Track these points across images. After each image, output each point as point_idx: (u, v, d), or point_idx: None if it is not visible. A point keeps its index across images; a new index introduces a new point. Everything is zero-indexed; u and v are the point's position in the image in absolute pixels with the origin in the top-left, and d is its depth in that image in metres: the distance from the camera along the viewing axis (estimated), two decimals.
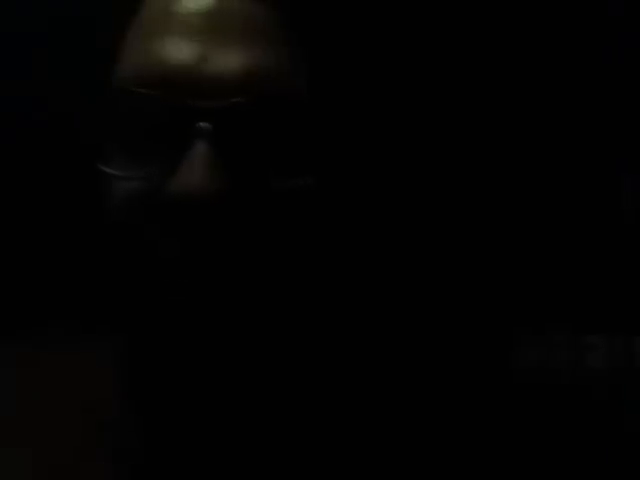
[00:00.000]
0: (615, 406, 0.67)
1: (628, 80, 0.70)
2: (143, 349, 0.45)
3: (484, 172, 0.70)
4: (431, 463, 0.50)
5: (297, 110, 0.43)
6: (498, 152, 0.70)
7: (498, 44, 0.69)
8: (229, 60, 0.43)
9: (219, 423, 0.46)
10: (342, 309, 0.51)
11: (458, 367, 0.59)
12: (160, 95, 0.42)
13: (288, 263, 0.44)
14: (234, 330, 0.43)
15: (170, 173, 0.42)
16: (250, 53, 0.43)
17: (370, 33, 0.53)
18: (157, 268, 0.42)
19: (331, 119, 0.45)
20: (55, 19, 0.62)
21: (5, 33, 0.66)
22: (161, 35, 0.44)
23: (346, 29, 0.49)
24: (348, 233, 0.49)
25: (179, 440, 0.46)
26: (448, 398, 0.54)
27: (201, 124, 0.42)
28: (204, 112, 0.42)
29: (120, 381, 0.48)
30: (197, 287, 0.42)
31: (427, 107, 0.64)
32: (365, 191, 0.50)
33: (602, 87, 0.71)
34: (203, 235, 0.41)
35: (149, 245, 0.43)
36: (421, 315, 0.62)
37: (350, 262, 0.50)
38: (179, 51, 0.43)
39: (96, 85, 0.46)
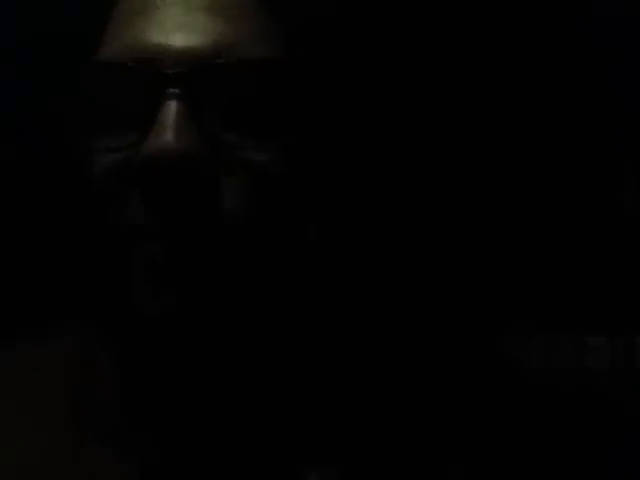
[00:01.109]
0: (617, 407, 0.67)
1: (627, 79, 0.70)
2: (127, 341, 0.46)
3: (483, 172, 0.70)
4: (431, 463, 0.50)
5: (271, 75, 0.44)
6: (496, 152, 0.70)
7: (494, 43, 0.69)
8: (200, 28, 0.44)
9: (210, 422, 0.46)
10: (335, 311, 0.51)
11: (460, 368, 0.58)
12: (132, 64, 0.44)
13: (263, 236, 0.44)
14: (215, 314, 0.43)
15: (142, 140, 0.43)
16: (222, 21, 0.45)
17: (352, 3, 0.54)
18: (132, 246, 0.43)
19: (308, 84, 0.46)
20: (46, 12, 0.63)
21: None
22: (137, 19, 0.46)
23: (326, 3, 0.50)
24: (322, 201, 0.49)
25: (169, 437, 0.47)
26: (450, 399, 0.53)
27: (171, 89, 0.43)
28: (176, 77, 0.43)
29: (107, 377, 0.49)
30: (172, 243, 0.42)
31: (421, 101, 0.64)
32: (343, 160, 0.50)
33: (601, 86, 0.71)
34: (175, 198, 0.42)
35: (127, 216, 0.43)
36: (422, 317, 0.62)
37: (344, 265, 0.50)
38: (152, 27, 0.45)
39: (75, 61, 0.47)
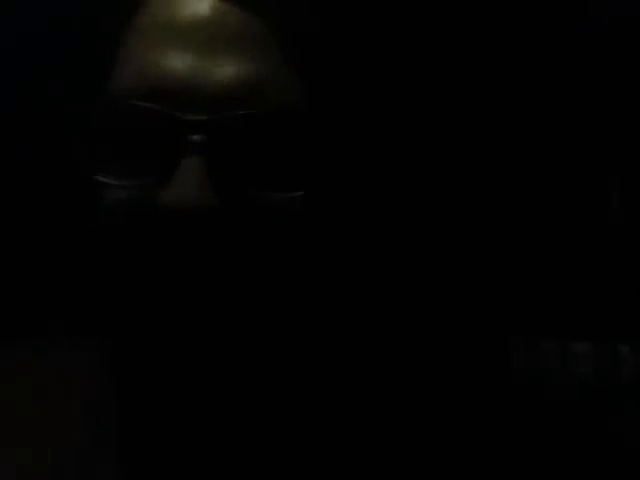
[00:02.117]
0: (602, 412, 0.68)
1: (617, 83, 0.71)
2: (137, 352, 0.46)
3: (474, 183, 0.70)
4: (428, 465, 0.50)
5: (292, 123, 0.43)
6: (486, 161, 0.70)
7: (486, 51, 0.69)
8: (223, 73, 0.43)
9: (214, 424, 0.46)
10: (338, 318, 0.51)
11: (452, 373, 0.59)
12: (154, 106, 0.43)
13: (280, 275, 0.44)
14: (227, 341, 0.44)
15: (162, 184, 0.42)
16: (244, 65, 0.43)
17: (368, 43, 0.52)
18: (149, 276, 0.43)
19: (328, 132, 0.45)
20: (54, 22, 0.63)
21: (3, 35, 0.67)
22: (156, 46, 0.44)
23: (343, 41, 0.49)
24: (342, 246, 0.49)
25: (175, 440, 0.47)
26: (442, 403, 0.54)
27: (194, 137, 0.42)
28: (197, 124, 0.42)
29: (115, 383, 0.49)
30: (189, 298, 0.42)
31: (427, 121, 0.64)
32: (359, 205, 0.50)
33: (591, 90, 0.71)
34: (193, 247, 0.42)
35: (140, 253, 0.43)
36: (415, 322, 0.62)
37: (345, 273, 0.50)
38: (173, 63, 0.43)
39: (92, 92, 0.46)
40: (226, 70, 0.43)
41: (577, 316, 0.71)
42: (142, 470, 0.48)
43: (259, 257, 0.43)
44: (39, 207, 0.68)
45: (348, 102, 0.48)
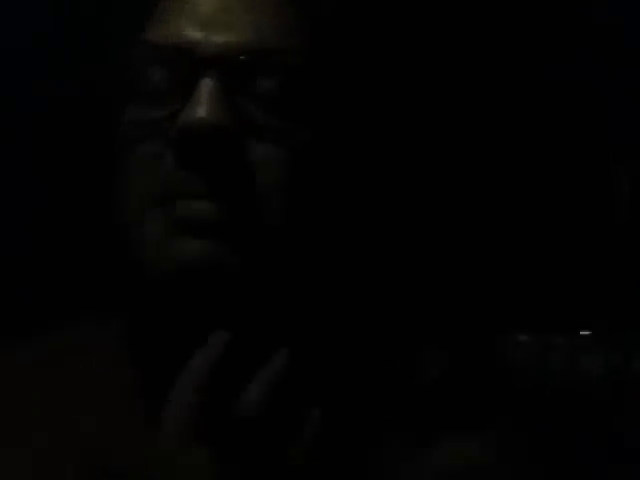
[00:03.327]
0: (609, 407, 0.68)
1: (621, 79, 0.71)
2: (152, 341, 0.48)
3: (476, 180, 0.70)
4: (428, 463, 0.51)
5: (301, 66, 0.49)
6: (488, 157, 0.71)
7: (491, 45, 0.70)
8: (235, 25, 0.49)
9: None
10: (334, 311, 0.52)
11: (454, 368, 0.59)
12: (174, 53, 0.48)
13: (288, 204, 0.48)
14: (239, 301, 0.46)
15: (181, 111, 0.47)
16: (254, 17, 0.49)
17: (379, 16, 0.56)
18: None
19: (335, 79, 0.50)
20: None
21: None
22: (178, 13, 0.50)
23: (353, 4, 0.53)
24: (342, 230, 0.51)
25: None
26: (443, 399, 0.54)
27: (207, 70, 0.47)
28: (211, 62, 0.47)
29: (132, 378, 0.50)
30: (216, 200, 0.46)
31: (424, 111, 0.65)
32: (363, 164, 0.53)
33: (594, 86, 0.71)
34: (209, 167, 0.46)
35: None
36: (415, 317, 0.62)
37: (342, 265, 0.51)
38: (192, 17, 0.49)
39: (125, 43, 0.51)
40: (241, 23, 0.49)
41: (585, 312, 0.71)
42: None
43: (270, 180, 0.47)
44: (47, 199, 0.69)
45: (357, 58, 0.53)
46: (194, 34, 0.48)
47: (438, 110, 0.68)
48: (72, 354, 0.54)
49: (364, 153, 0.54)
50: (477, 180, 0.71)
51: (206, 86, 0.46)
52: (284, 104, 0.48)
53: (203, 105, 0.46)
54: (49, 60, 0.68)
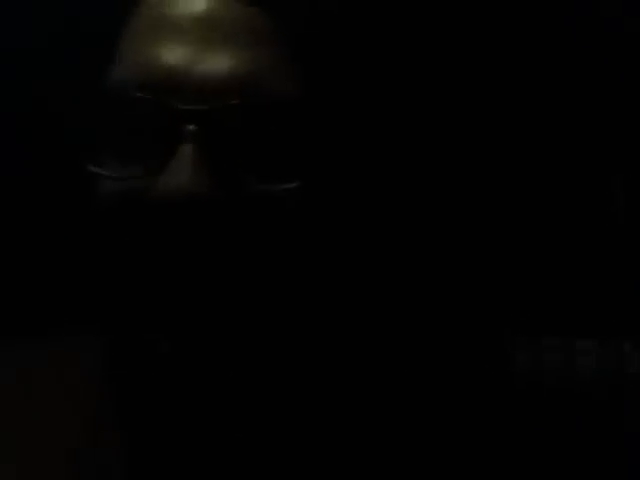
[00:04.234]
0: (607, 409, 0.67)
1: (619, 82, 0.71)
2: (132, 350, 0.46)
3: (475, 182, 0.70)
4: (429, 465, 0.50)
5: (287, 113, 0.44)
6: (487, 159, 0.70)
7: (488, 50, 0.69)
8: (217, 63, 0.43)
9: (212, 427, 0.46)
10: (337, 315, 0.51)
11: (453, 371, 0.59)
12: (150, 97, 0.43)
13: (273, 266, 0.44)
14: (224, 332, 0.44)
15: (157, 173, 0.43)
16: (239, 56, 0.44)
17: (364, 35, 0.52)
18: (145, 267, 0.43)
19: (322, 122, 0.45)
20: (53, 19, 0.63)
21: (2, 33, 0.67)
22: (153, 39, 0.45)
23: (339, 31, 0.49)
24: (339, 240, 0.49)
25: (172, 444, 0.47)
26: (443, 402, 0.54)
27: (190, 127, 0.42)
28: (193, 114, 0.42)
29: (110, 383, 0.49)
30: (185, 287, 0.43)
31: (422, 111, 0.64)
32: (356, 196, 0.50)
33: (593, 89, 0.71)
34: (188, 236, 0.42)
35: (136, 244, 0.43)
36: (415, 321, 0.62)
37: (342, 269, 0.50)
38: (169, 54, 0.44)
39: (88, 85, 0.47)
40: (222, 61, 0.43)
41: (581, 314, 0.71)
42: (143, 469, 0.48)
43: (253, 248, 0.43)
44: (37, 204, 0.68)
45: (345, 93, 0.48)
46: (172, 70, 0.43)
47: (438, 126, 0.67)
48: (49, 366, 0.53)
49: (361, 189, 0.52)
50: (479, 183, 0.71)
51: (187, 148, 0.42)
52: (272, 158, 0.43)
53: (185, 172, 0.41)
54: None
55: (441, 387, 0.55)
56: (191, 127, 0.42)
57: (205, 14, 0.44)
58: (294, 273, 0.45)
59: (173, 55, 0.44)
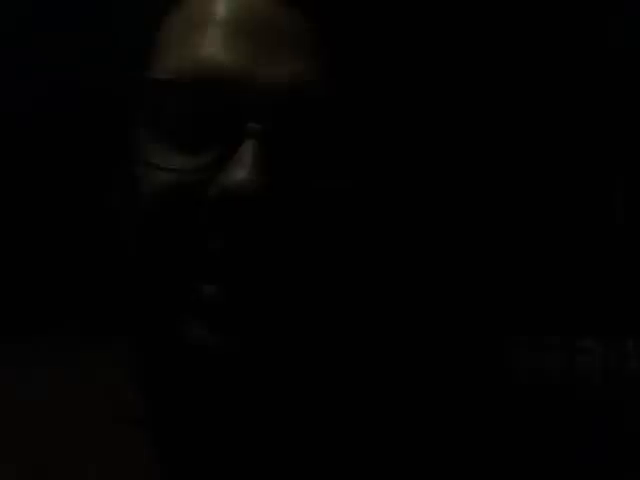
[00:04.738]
0: (607, 407, 0.68)
1: (621, 84, 0.71)
2: (155, 352, 0.46)
3: (479, 182, 0.70)
4: (429, 463, 0.51)
5: (343, 116, 0.45)
6: (492, 161, 0.71)
7: (492, 52, 0.70)
8: (280, 63, 0.44)
9: (231, 428, 0.46)
10: (338, 313, 0.51)
11: (453, 370, 0.59)
12: (213, 93, 0.44)
13: (325, 262, 0.45)
14: (265, 332, 0.44)
15: (216, 170, 0.43)
16: (298, 58, 0.45)
17: (403, 38, 0.54)
18: (187, 265, 0.44)
19: (365, 122, 0.47)
20: (98, 7, 0.63)
21: (44, 16, 0.67)
22: (211, 34, 0.45)
23: (381, 35, 0.51)
24: (384, 239, 0.50)
25: (192, 445, 0.47)
26: (443, 401, 0.54)
27: (252, 124, 0.43)
28: (257, 111, 0.43)
29: (132, 383, 0.49)
30: (237, 283, 0.43)
31: (451, 109, 0.65)
32: (400, 200, 0.51)
33: (595, 90, 0.71)
34: (246, 232, 0.43)
35: (190, 238, 0.43)
36: (416, 320, 0.62)
37: (345, 267, 0.50)
38: (234, 49, 0.44)
39: (141, 75, 0.47)
40: (287, 58, 0.44)
41: (584, 313, 0.71)
42: (164, 466, 0.48)
43: (310, 245, 0.44)
44: (53, 202, 0.68)
45: (387, 92, 0.50)
46: (236, 65, 0.43)
47: (447, 128, 0.68)
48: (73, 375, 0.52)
49: (400, 189, 0.53)
50: (483, 183, 0.71)
51: (251, 145, 0.42)
52: (330, 158, 0.44)
53: (249, 168, 0.42)
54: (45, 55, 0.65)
55: (442, 386, 0.56)
56: (254, 125, 0.43)
57: (266, 14, 0.45)
58: (343, 270, 0.46)
59: (238, 51, 0.44)
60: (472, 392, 0.56)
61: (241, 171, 0.42)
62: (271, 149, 0.43)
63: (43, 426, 0.49)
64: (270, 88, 0.43)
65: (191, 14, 0.47)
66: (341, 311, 0.47)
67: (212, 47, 0.44)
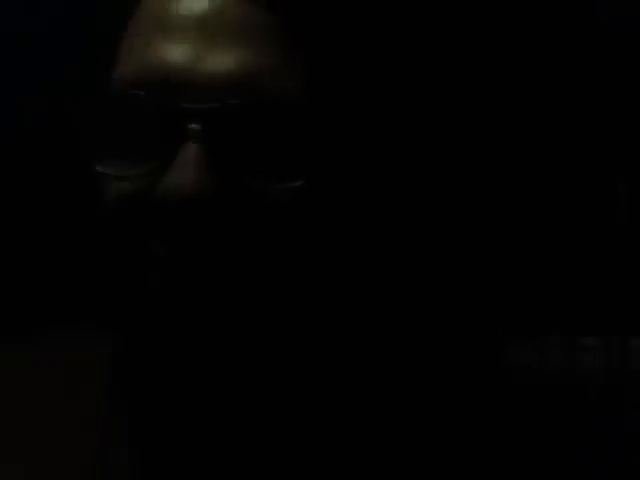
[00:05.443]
0: (610, 406, 0.68)
1: (622, 85, 0.71)
2: (137, 350, 0.46)
3: (476, 180, 0.70)
4: (427, 463, 0.50)
5: (291, 112, 0.44)
6: (488, 159, 0.70)
7: (489, 51, 0.69)
8: (222, 61, 0.43)
9: (215, 425, 0.46)
10: (335, 313, 0.51)
11: (453, 369, 0.59)
12: (155, 97, 0.43)
13: (277, 265, 0.44)
14: (225, 331, 0.44)
15: (161, 173, 0.43)
16: (243, 54, 0.44)
17: (368, 33, 0.53)
18: (148, 268, 0.44)
19: (327, 121, 0.45)
20: (53, 19, 0.63)
21: (4, 33, 0.67)
22: (156, 37, 0.45)
23: (344, 29, 0.49)
24: (339, 239, 0.49)
25: (175, 443, 0.47)
26: (443, 399, 0.54)
27: (193, 125, 0.42)
28: (196, 113, 0.43)
29: (115, 382, 0.49)
30: (187, 288, 0.43)
31: (426, 110, 0.64)
32: (357, 196, 0.50)
33: (596, 91, 0.71)
34: (192, 236, 0.42)
35: (140, 245, 0.44)
36: (415, 319, 0.62)
37: (342, 266, 0.50)
38: (173, 52, 0.44)
39: (91, 85, 0.47)
40: (224, 60, 0.43)
41: (586, 311, 0.71)
42: (150, 466, 0.48)
43: (256, 247, 0.44)
44: (44, 203, 0.68)
45: (348, 92, 0.48)
46: (175, 67, 0.43)
47: (439, 127, 0.68)
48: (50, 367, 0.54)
49: (362, 189, 0.52)
50: (482, 182, 0.71)
51: (192, 147, 0.42)
52: (275, 158, 0.43)
53: (189, 170, 0.42)
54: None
55: (441, 385, 0.55)
56: (194, 126, 0.42)
57: (207, 12, 0.45)
58: (295, 272, 0.45)
59: (176, 54, 0.44)
60: (472, 392, 0.55)
61: (180, 175, 0.42)
62: (212, 150, 0.42)
63: (43, 426, 0.50)
64: (209, 87, 0.43)
65: (141, 19, 0.47)
66: (302, 317, 0.46)
67: (156, 50, 0.44)
